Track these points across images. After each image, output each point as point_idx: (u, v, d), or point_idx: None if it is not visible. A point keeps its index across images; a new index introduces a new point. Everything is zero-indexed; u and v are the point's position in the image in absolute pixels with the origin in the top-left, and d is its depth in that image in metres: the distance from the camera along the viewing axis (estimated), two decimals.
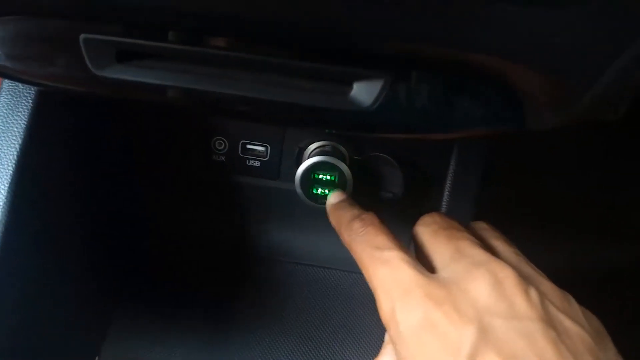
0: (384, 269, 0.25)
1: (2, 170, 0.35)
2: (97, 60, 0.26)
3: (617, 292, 0.61)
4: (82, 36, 0.26)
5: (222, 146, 0.47)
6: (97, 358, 0.49)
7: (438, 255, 0.26)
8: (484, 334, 0.21)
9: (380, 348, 0.30)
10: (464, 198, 0.43)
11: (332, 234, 0.54)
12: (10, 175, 0.35)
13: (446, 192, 0.43)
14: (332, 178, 0.40)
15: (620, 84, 0.21)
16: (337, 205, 0.34)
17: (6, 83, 0.37)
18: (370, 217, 0.29)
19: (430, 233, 0.27)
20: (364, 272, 0.26)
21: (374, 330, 0.51)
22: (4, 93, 0.37)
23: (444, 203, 0.44)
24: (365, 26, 0.21)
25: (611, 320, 0.25)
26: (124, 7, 0.23)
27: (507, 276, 0.23)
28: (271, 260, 0.54)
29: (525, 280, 0.23)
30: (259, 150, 0.47)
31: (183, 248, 0.55)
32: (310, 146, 0.45)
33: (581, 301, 0.25)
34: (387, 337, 0.31)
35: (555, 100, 0.23)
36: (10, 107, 0.36)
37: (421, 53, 0.23)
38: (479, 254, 0.24)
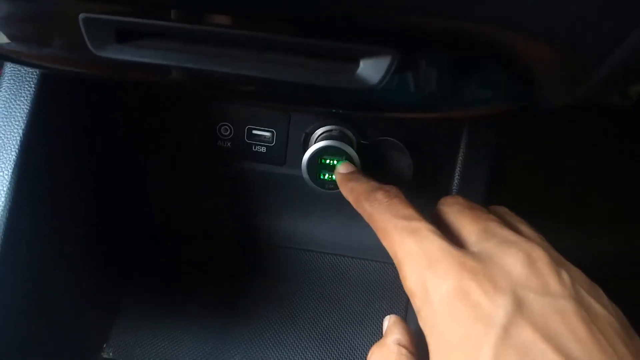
0: (412, 238, 0.24)
1: (5, 155, 0.35)
2: (97, 41, 0.26)
3: (633, 281, 0.60)
4: (81, 15, 0.25)
5: (228, 132, 0.47)
6: (104, 346, 0.49)
7: (465, 233, 0.26)
8: (518, 305, 0.21)
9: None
10: (474, 183, 0.42)
11: (339, 220, 0.54)
12: (14, 161, 0.35)
13: (456, 177, 0.43)
14: (339, 163, 0.39)
15: (633, 62, 0.20)
16: (350, 176, 0.33)
17: (8, 68, 0.36)
18: (395, 189, 0.28)
19: (455, 212, 0.27)
20: (386, 242, 0.26)
21: (382, 317, 0.50)
22: (6, 78, 0.36)
23: (454, 188, 0.43)
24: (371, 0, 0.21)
25: (627, 309, 0.25)
26: None
27: (540, 256, 0.23)
28: (278, 247, 0.54)
29: (556, 262, 0.23)
30: (264, 136, 0.46)
31: (189, 235, 0.55)
32: (316, 131, 0.44)
33: None
34: (386, 322, 0.31)
35: (566, 75, 0.23)
36: (12, 92, 0.36)
37: (429, 27, 0.22)
38: (508, 234, 0.24)
